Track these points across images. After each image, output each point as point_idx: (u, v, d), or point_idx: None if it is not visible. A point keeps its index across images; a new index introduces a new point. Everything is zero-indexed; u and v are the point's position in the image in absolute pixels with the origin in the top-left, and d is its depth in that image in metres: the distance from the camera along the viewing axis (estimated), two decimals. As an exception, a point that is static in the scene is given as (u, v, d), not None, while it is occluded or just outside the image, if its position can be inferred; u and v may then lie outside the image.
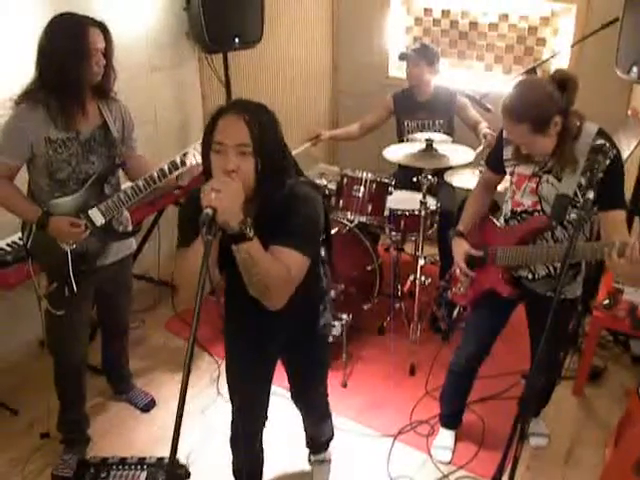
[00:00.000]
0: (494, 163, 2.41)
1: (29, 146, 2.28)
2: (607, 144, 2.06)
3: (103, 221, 2.43)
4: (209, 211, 1.45)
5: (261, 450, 2.37)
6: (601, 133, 2.10)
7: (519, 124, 2.03)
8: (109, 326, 2.95)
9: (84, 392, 2.77)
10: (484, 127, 3.61)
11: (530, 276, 2.35)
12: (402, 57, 3.70)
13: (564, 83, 2.03)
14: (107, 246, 2.53)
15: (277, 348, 2.15)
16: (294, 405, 2.43)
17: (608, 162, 2.04)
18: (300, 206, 1.75)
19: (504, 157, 2.32)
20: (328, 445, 2.66)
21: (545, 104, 2.00)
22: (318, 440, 2.62)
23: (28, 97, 2.28)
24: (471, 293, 2.54)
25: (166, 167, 2.48)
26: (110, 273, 2.61)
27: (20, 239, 2.75)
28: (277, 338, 2.08)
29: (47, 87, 2.26)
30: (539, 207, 2.23)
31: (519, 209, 2.29)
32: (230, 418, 2.24)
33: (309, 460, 2.71)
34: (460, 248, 2.47)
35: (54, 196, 2.36)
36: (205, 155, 1.69)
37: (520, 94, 2.04)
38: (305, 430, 2.57)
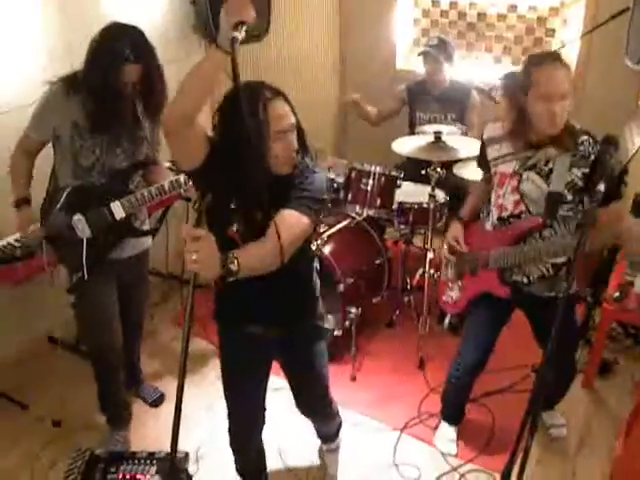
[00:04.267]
0: (484, 166, 2.52)
1: (52, 127, 2.34)
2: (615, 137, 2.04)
3: (123, 215, 2.45)
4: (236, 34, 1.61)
5: (262, 449, 2.38)
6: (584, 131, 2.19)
7: (567, 68, 2.11)
8: (125, 319, 2.93)
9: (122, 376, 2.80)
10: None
11: (525, 280, 2.38)
12: (422, 54, 3.70)
13: None
14: (122, 240, 2.55)
15: (272, 341, 2.11)
16: (300, 413, 2.40)
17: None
18: (311, 175, 1.94)
19: (489, 157, 2.41)
20: (338, 433, 2.65)
21: None
22: (328, 433, 2.61)
23: (67, 81, 2.32)
24: (464, 300, 2.58)
25: None
26: (127, 266, 2.63)
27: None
28: (270, 328, 2.05)
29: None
30: (522, 207, 2.27)
31: (505, 214, 2.34)
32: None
33: (320, 450, 2.72)
34: (454, 231, 2.58)
35: (76, 182, 2.40)
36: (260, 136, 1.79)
37: None
38: (314, 427, 2.56)
